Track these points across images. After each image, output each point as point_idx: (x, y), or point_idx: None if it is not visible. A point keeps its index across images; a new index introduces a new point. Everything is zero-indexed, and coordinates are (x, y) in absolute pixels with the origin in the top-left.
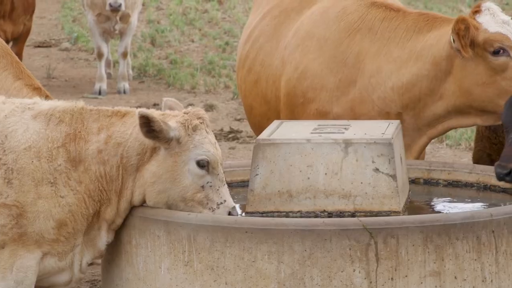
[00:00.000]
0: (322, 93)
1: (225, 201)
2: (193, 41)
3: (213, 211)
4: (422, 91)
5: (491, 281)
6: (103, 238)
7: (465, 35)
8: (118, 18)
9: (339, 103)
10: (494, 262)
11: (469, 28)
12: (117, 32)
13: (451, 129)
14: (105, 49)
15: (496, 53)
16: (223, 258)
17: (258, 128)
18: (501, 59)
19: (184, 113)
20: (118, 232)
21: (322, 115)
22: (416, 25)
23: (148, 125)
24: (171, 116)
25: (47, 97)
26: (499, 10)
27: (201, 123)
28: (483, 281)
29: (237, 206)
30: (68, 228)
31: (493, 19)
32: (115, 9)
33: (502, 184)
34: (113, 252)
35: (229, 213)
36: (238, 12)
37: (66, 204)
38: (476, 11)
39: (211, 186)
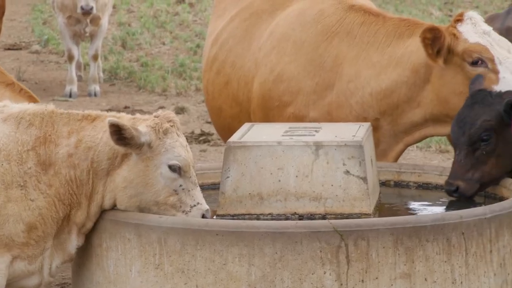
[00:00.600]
0: (299, 96)
1: (198, 203)
2: (164, 43)
3: (186, 214)
4: (400, 98)
5: (461, 283)
6: (73, 241)
7: (432, 45)
8: (88, 20)
9: (316, 107)
10: (464, 264)
11: (439, 38)
12: (87, 34)
13: (428, 136)
14: (75, 51)
15: (474, 63)
16: (193, 261)
17: (228, 130)
18: (479, 70)
19: (155, 116)
20: (89, 235)
21: (299, 119)
22: (396, 30)
23: (118, 133)
24: (142, 120)
25: (21, 91)
26: (481, 20)
27: (171, 126)
28: (453, 283)
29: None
30: (38, 232)
31: (474, 28)
32: (87, 12)
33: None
34: (83, 256)
35: (203, 216)
36: (209, 14)
37: (36, 207)
38: (458, 19)
39: (183, 189)
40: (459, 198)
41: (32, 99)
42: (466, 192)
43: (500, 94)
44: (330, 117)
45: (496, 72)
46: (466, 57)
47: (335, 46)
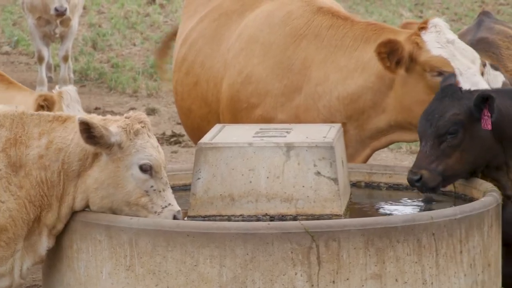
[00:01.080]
0: (267, 98)
1: (170, 204)
2: (135, 44)
3: (158, 214)
4: (366, 103)
5: (432, 283)
6: (44, 243)
7: (389, 58)
8: (58, 21)
9: (283, 110)
10: (434, 265)
11: (396, 51)
12: (57, 35)
13: (394, 142)
14: (45, 52)
15: (435, 76)
16: (165, 262)
17: (197, 131)
18: (440, 79)
19: (126, 117)
20: (60, 237)
21: (267, 121)
22: (363, 34)
23: (88, 131)
24: (113, 121)
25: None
26: (446, 27)
27: (142, 127)
28: (423, 283)
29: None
30: (9, 233)
31: (437, 37)
32: (61, 13)
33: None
34: (54, 257)
35: (174, 217)
36: (180, 15)
37: (7, 209)
38: (422, 27)
39: (155, 190)
40: (421, 189)
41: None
42: (429, 183)
43: (470, 90)
44: (298, 120)
45: (456, 84)
46: (427, 68)
47: (303, 48)
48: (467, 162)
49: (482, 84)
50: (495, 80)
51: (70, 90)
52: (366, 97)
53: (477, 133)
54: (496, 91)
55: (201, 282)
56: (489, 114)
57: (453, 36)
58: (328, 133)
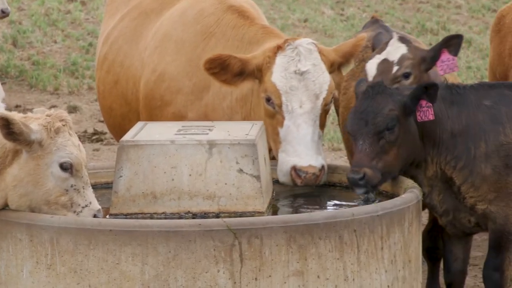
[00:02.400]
0: (178, 96)
1: (90, 203)
2: (56, 42)
3: (77, 214)
4: (252, 105)
5: (353, 280)
6: None
7: (222, 73)
8: None
9: (193, 108)
10: (356, 261)
11: (227, 66)
12: None
13: None
14: None
15: (267, 100)
16: (86, 261)
17: (119, 129)
18: (270, 107)
19: (47, 115)
20: None
21: (179, 119)
22: (254, 36)
23: (8, 127)
24: (34, 119)
25: None
26: (310, 51)
27: (63, 125)
28: (345, 280)
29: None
30: None
31: (288, 64)
32: (7, 15)
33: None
34: None
35: (94, 216)
36: (101, 13)
37: None
38: (280, 47)
39: (75, 189)
40: (364, 187)
41: None
42: (372, 180)
43: (398, 87)
44: (207, 119)
45: (282, 117)
46: (263, 90)
47: (212, 47)
48: (402, 158)
49: (302, 127)
50: (395, 51)
51: None
52: (252, 100)
53: (409, 129)
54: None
55: (123, 280)
56: (430, 104)
57: (306, 67)
58: (250, 130)
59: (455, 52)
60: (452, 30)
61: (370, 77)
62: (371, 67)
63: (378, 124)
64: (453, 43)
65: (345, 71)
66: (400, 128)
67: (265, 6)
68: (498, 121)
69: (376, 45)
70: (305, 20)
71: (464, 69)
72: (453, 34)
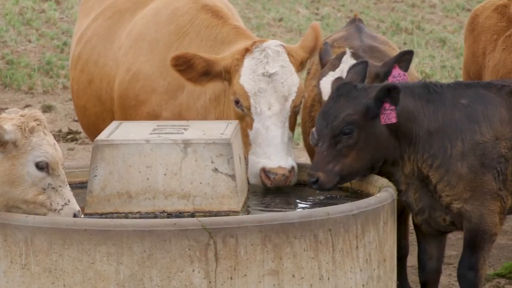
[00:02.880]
0: (153, 96)
1: (69, 201)
2: (30, 41)
3: (58, 212)
4: (225, 106)
5: (328, 279)
6: None
7: (187, 71)
8: None
9: (168, 107)
10: (331, 260)
11: (191, 65)
12: None
13: None
14: None
15: (235, 102)
16: (61, 260)
17: (93, 129)
18: (239, 109)
19: (21, 115)
20: None
21: (153, 118)
22: (227, 37)
23: None
24: (8, 119)
25: None
26: (278, 53)
27: (38, 125)
28: (320, 279)
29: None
30: None
31: (256, 66)
32: None
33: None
34: None
35: (74, 215)
36: (76, 12)
37: None
38: (248, 50)
39: (52, 187)
40: (319, 190)
41: None
42: (326, 184)
43: (365, 88)
44: (181, 118)
45: (251, 119)
46: (232, 92)
47: (186, 46)
48: (364, 160)
49: (271, 129)
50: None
51: None
52: (225, 100)
53: (372, 131)
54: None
55: (98, 279)
56: (393, 107)
57: (274, 69)
58: (225, 130)
59: (405, 67)
60: (427, 30)
61: (325, 96)
62: (326, 86)
63: (334, 128)
64: (404, 59)
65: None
66: (360, 132)
67: (240, 5)
68: (474, 120)
69: (323, 58)
70: (280, 20)
71: (438, 68)
72: (405, 50)
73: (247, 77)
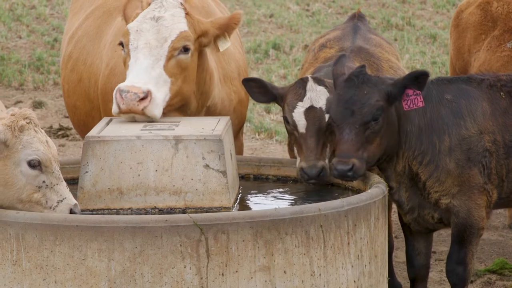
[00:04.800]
0: None
1: (65, 198)
2: (20, 37)
3: (54, 209)
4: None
5: (320, 274)
6: None
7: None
8: None
9: None
10: (322, 256)
11: None
12: None
13: None
14: None
15: (120, 45)
16: (52, 257)
17: (83, 127)
18: (122, 52)
19: (11, 115)
20: None
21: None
22: None
23: None
24: None
25: None
26: (172, 6)
27: (28, 123)
28: (311, 275)
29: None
30: None
31: (147, 12)
32: None
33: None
34: None
35: (71, 210)
36: (66, 8)
37: None
38: (148, 2)
39: (47, 185)
40: (352, 178)
41: None
42: (359, 171)
43: (378, 76)
44: None
45: (129, 57)
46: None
47: None
48: (383, 148)
49: (139, 59)
50: (319, 96)
51: None
52: None
53: (391, 119)
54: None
55: (89, 276)
56: (418, 92)
57: (162, 14)
58: (216, 126)
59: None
60: (417, 26)
61: (302, 128)
62: (300, 118)
63: (365, 115)
64: (418, 81)
65: (222, 47)
66: (384, 119)
67: (230, 1)
68: (459, 115)
69: (336, 67)
70: (271, 16)
71: (429, 64)
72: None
73: (136, 20)
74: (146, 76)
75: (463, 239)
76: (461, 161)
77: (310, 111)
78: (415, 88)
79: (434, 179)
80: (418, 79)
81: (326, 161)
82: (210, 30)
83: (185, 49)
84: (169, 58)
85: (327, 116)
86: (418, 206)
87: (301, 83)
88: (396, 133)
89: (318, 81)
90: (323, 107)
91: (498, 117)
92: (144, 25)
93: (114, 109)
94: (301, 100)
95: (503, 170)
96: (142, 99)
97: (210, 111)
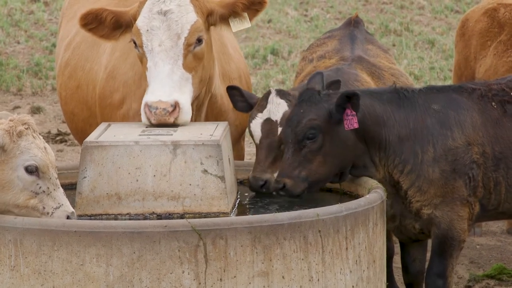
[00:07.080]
0: (124, 89)
1: (62, 205)
2: (19, 42)
3: (50, 216)
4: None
5: (318, 280)
6: None
7: (98, 28)
8: None
9: (135, 98)
10: (320, 262)
11: (99, 21)
12: None
13: None
14: None
15: (134, 43)
16: (50, 262)
17: (82, 134)
18: (136, 50)
19: (10, 120)
20: None
21: (125, 112)
22: None
23: None
24: None
25: None
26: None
27: (26, 128)
28: (310, 280)
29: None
30: None
31: (152, 5)
32: None
33: (328, 184)
34: None
35: (68, 218)
36: None
37: None
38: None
39: (44, 191)
40: (287, 196)
41: None
42: (293, 190)
43: (328, 93)
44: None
45: (146, 59)
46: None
47: None
48: (332, 165)
49: (159, 65)
50: (277, 109)
51: None
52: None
53: (337, 135)
54: (358, 91)
55: (88, 281)
56: (354, 113)
57: (169, 7)
58: (214, 131)
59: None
60: (415, 31)
61: (257, 139)
62: (256, 129)
63: (297, 133)
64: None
65: (237, 27)
66: (324, 137)
67: None
68: (446, 126)
69: (309, 83)
70: (269, 21)
71: (427, 70)
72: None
73: (143, 16)
74: (170, 84)
75: (444, 251)
76: (445, 172)
77: (267, 123)
78: (351, 108)
79: (415, 188)
80: (350, 99)
81: (275, 174)
82: (216, 10)
83: (199, 40)
84: (186, 55)
85: (280, 129)
86: (400, 215)
87: (266, 95)
88: (355, 146)
89: (282, 94)
90: (279, 120)
91: (489, 128)
92: (153, 23)
93: (144, 121)
94: (261, 112)
95: (490, 183)
96: (172, 112)
97: (212, 101)
